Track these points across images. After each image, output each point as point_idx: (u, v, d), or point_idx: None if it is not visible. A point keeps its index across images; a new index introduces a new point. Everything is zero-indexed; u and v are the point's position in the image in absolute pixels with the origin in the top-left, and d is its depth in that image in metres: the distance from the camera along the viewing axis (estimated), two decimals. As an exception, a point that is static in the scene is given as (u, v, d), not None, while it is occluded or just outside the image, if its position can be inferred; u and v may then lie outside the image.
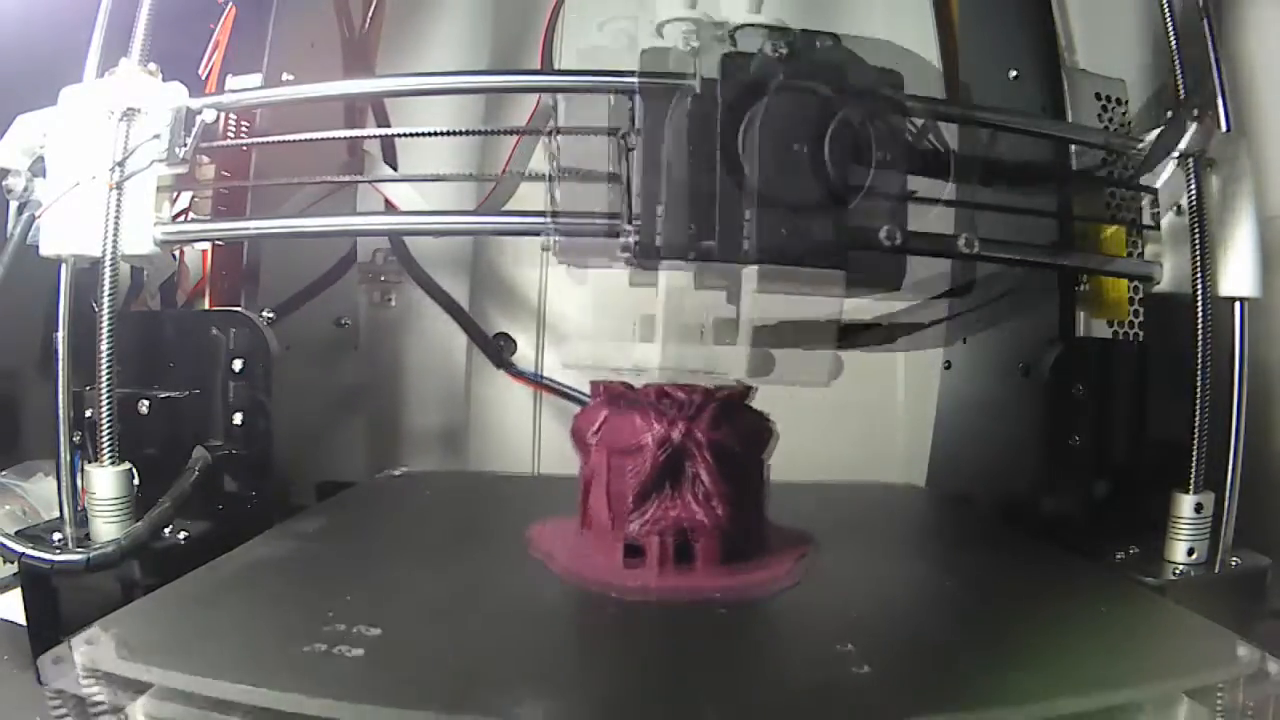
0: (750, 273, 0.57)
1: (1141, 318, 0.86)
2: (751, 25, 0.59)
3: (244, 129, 0.80)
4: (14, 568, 0.65)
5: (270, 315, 0.82)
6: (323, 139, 0.77)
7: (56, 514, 0.67)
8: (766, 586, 0.61)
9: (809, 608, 0.60)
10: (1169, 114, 0.70)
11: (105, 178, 0.66)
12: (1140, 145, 0.72)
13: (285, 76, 0.84)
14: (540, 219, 0.62)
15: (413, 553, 0.70)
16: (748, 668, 0.50)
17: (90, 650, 0.47)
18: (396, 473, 1.03)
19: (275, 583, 0.61)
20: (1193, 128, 0.71)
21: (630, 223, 0.57)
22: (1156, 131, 0.72)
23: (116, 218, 0.65)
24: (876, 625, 0.57)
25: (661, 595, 0.59)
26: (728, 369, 0.58)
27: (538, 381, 1.13)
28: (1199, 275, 0.70)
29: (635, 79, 0.56)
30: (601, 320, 0.66)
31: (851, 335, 0.62)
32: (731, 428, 0.63)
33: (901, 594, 0.66)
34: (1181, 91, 0.73)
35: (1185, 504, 0.70)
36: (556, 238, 0.60)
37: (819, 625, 0.57)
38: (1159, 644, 0.55)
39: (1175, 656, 0.53)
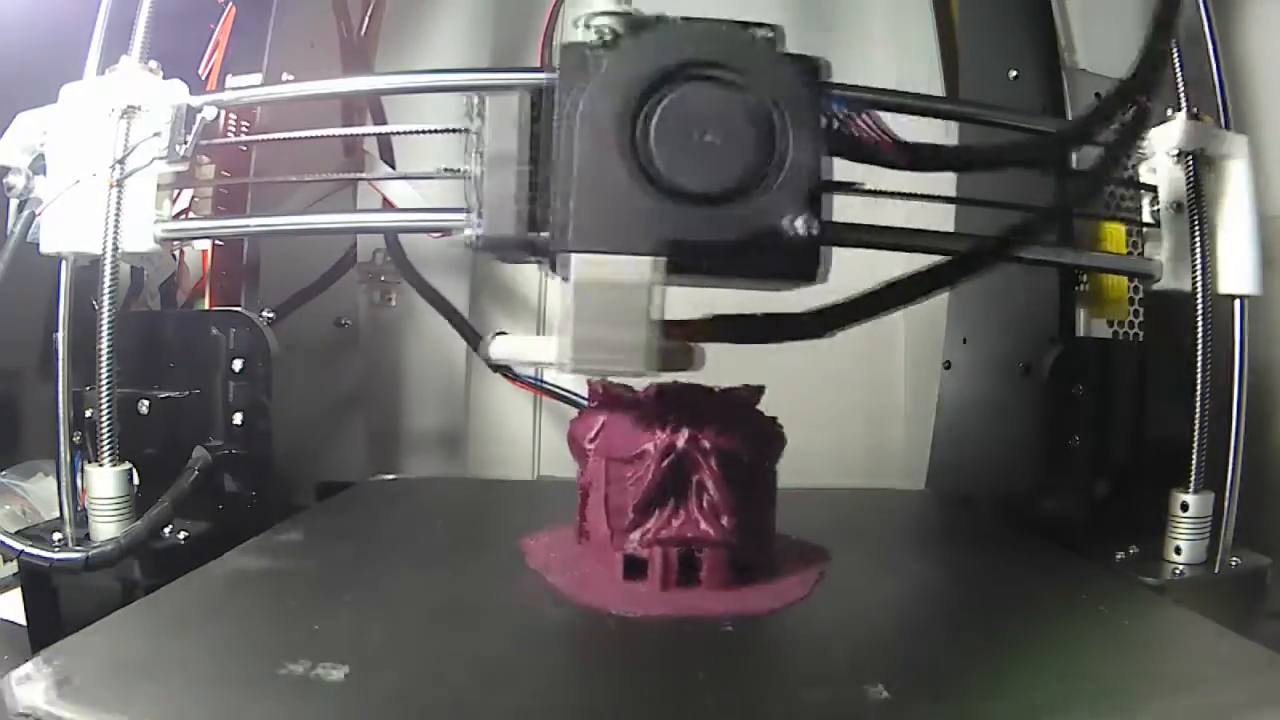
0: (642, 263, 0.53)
1: (1141, 317, 0.86)
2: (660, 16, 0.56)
3: (244, 128, 0.80)
4: (14, 567, 0.66)
5: (270, 315, 0.82)
6: (322, 136, 0.77)
7: (56, 514, 0.67)
8: (777, 604, 0.57)
9: (823, 628, 0.56)
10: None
11: (105, 175, 0.66)
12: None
13: (285, 76, 0.84)
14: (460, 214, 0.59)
15: (399, 565, 0.65)
16: (757, 694, 0.46)
17: (25, 690, 0.41)
18: (389, 478, 1.02)
19: (247, 604, 0.56)
20: (1190, 125, 0.71)
21: (479, 216, 0.55)
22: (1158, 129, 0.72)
23: (117, 215, 0.66)
24: (895, 647, 0.55)
25: (664, 614, 0.55)
26: (632, 363, 0.54)
27: (534, 384, 1.13)
28: (1199, 273, 0.70)
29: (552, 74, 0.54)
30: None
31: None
32: (739, 434, 0.59)
33: (920, 611, 0.63)
34: (1182, 92, 0.73)
35: (1185, 503, 0.70)
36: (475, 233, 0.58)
37: (834, 647, 0.53)
38: (1171, 651, 0.54)
39: (1192, 666, 0.51)
